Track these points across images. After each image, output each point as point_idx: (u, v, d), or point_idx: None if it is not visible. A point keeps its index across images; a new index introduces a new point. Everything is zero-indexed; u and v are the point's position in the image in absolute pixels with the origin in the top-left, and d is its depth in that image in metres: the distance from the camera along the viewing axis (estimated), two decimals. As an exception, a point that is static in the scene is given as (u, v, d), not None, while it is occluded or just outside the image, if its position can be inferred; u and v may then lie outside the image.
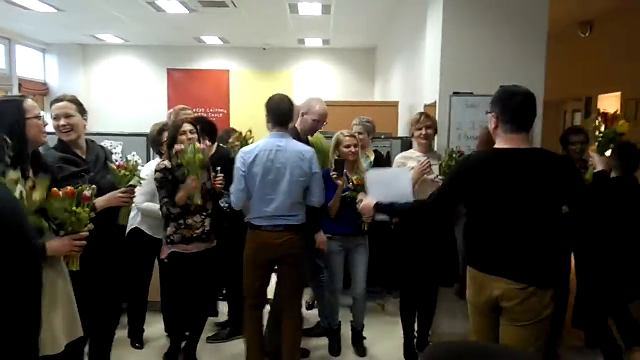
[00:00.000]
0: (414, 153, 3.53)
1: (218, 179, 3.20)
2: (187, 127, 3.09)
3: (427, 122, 3.43)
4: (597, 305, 3.41)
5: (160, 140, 3.39)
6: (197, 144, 2.99)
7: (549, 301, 2.17)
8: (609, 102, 6.84)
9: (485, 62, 3.78)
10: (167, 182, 3.01)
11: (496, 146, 2.25)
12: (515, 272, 2.13)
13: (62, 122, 2.60)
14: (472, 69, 3.78)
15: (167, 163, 3.06)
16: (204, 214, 3.13)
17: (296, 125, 3.36)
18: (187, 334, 3.32)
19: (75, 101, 2.67)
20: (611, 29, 6.72)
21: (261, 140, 3.09)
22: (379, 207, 2.54)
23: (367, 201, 2.60)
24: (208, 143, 3.20)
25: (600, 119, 2.82)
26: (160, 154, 3.44)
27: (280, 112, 3.06)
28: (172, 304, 3.32)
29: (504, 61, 3.77)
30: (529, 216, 2.14)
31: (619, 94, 6.51)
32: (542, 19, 3.76)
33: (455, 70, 3.80)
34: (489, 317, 2.26)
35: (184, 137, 3.05)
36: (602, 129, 2.83)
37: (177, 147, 2.97)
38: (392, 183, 2.62)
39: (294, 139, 3.18)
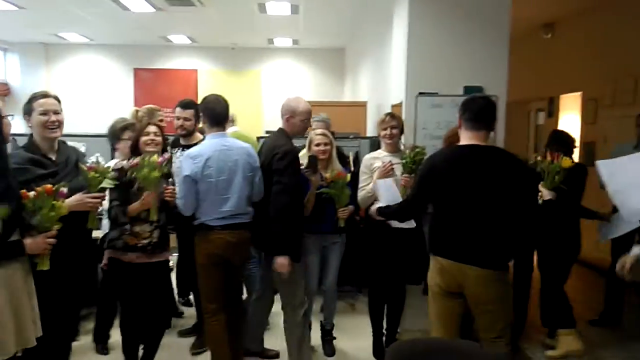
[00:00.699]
0: (381, 153, 3.56)
1: (168, 190, 2.96)
2: (152, 128, 3.01)
3: (392, 122, 3.46)
4: (555, 281, 3.67)
5: (119, 136, 3.32)
6: (155, 157, 2.84)
7: (507, 282, 2.52)
8: (570, 102, 7.05)
9: (450, 63, 3.85)
10: (121, 183, 2.84)
11: (459, 143, 2.56)
12: (481, 259, 2.41)
13: (53, 117, 2.53)
14: (437, 70, 3.84)
15: (124, 163, 2.93)
16: (155, 224, 2.94)
17: (282, 127, 3.21)
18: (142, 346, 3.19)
19: (59, 99, 2.64)
20: (572, 31, 6.92)
21: (205, 142, 3.08)
22: (379, 210, 2.98)
23: (374, 206, 3.09)
24: (167, 155, 3.06)
25: (548, 156, 3.22)
26: (114, 149, 3.36)
27: (216, 112, 3.07)
28: (124, 315, 3.12)
29: (467, 62, 3.85)
30: (487, 206, 2.42)
31: (579, 93, 6.71)
32: (503, 21, 3.84)
33: (420, 71, 3.85)
34: (453, 300, 2.54)
35: (147, 138, 2.97)
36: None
37: (132, 161, 2.84)
38: (389, 190, 3.03)
39: (287, 140, 3.11)
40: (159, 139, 3.02)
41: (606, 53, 6.04)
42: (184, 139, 3.69)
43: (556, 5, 6.39)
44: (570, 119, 7.04)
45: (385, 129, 3.46)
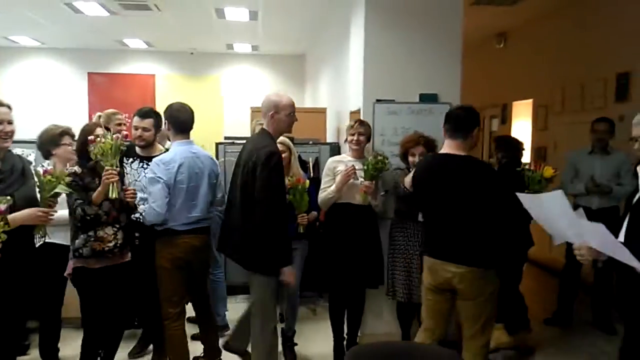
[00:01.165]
0: (345, 157, 3.62)
1: (129, 191, 2.95)
2: (100, 131, 2.92)
3: (359, 128, 3.53)
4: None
5: (58, 142, 3.19)
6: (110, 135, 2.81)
7: (492, 279, 2.71)
8: (523, 109, 7.30)
9: (405, 71, 3.93)
10: (78, 185, 2.79)
11: (441, 151, 2.87)
12: (464, 258, 2.65)
13: (7, 128, 2.52)
14: (393, 78, 3.92)
15: (76, 168, 2.86)
16: (117, 225, 2.92)
17: (265, 128, 2.93)
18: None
19: (11, 108, 2.60)
20: (523, 40, 7.18)
21: (173, 149, 3.06)
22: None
23: None
24: (125, 132, 3.02)
25: (532, 165, 3.29)
26: (48, 157, 3.22)
27: (182, 120, 3.08)
28: (86, 322, 3.02)
29: (422, 70, 3.93)
30: (463, 209, 2.66)
31: (530, 100, 6.95)
32: (456, 31, 3.94)
33: (377, 79, 3.92)
34: (442, 295, 2.78)
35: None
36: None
37: (91, 137, 2.78)
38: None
39: (270, 141, 2.85)
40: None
41: (555, 61, 6.29)
42: (143, 150, 3.38)
43: (508, 16, 6.61)
44: (522, 125, 7.28)
45: (353, 134, 3.52)
